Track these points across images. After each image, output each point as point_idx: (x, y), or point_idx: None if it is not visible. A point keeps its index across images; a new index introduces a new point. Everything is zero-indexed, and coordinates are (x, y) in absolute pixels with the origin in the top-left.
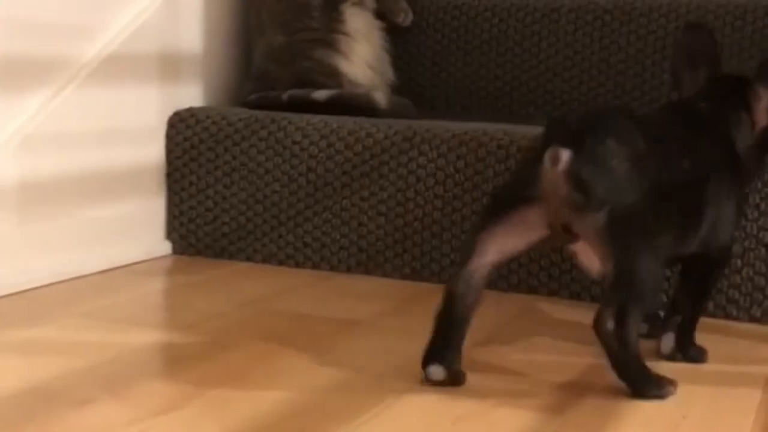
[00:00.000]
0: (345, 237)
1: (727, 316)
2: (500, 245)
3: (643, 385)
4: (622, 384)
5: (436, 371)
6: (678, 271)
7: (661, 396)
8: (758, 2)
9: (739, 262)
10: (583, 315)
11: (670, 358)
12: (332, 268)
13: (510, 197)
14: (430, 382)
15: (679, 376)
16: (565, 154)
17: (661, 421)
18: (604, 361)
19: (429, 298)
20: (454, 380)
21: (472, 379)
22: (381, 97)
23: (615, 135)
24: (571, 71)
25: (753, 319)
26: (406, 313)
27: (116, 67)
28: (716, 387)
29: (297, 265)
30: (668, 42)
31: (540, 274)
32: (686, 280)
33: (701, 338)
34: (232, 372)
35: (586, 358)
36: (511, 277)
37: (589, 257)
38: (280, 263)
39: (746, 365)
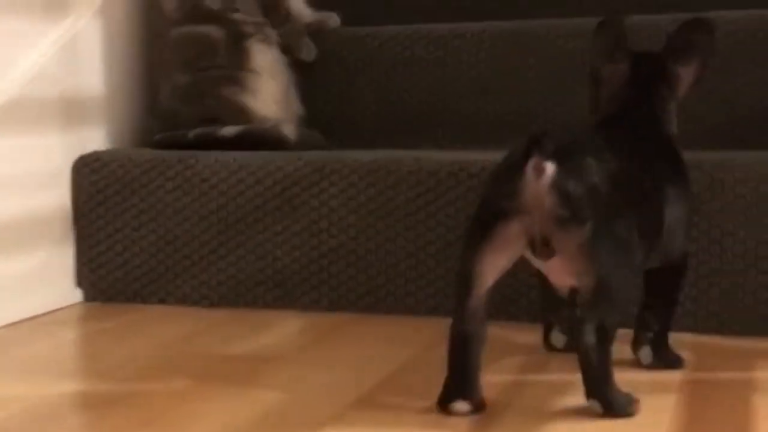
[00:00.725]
0: (260, 272)
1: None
2: (494, 267)
3: (617, 401)
4: (592, 404)
5: (462, 406)
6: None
7: (630, 413)
8: (652, 20)
9: None
10: (505, 334)
11: (653, 368)
12: (249, 305)
13: (491, 214)
14: (455, 415)
15: None
16: (550, 167)
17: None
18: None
19: (348, 328)
20: (478, 409)
21: (392, 406)
22: (290, 130)
23: (593, 154)
24: (478, 95)
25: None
26: (326, 344)
27: (16, 113)
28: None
29: (212, 304)
30: (570, 62)
31: None
32: (651, 294)
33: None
34: (150, 417)
35: (505, 376)
36: (429, 301)
37: (562, 274)
38: (195, 304)
39: (659, 371)
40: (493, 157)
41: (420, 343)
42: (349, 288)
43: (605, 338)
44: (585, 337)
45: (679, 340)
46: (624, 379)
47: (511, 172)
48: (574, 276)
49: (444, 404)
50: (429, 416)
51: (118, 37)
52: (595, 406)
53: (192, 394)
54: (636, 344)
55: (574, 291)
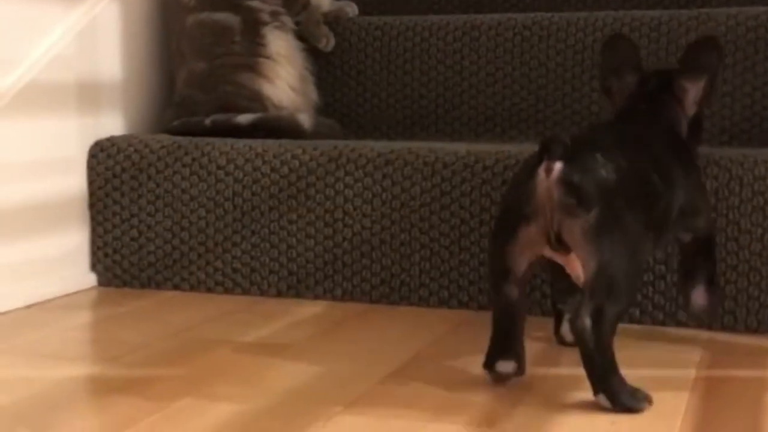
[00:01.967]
0: (274, 261)
1: (654, 322)
2: (521, 265)
3: (617, 389)
4: (600, 399)
5: (506, 365)
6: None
7: (635, 408)
8: (672, 14)
9: (663, 267)
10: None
11: (707, 308)
12: (262, 293)
13: (513, 218)
14: (498, 377)
15: None
16: (558, 165)
17: (590, 429)
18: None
19: (361, 318)
20: (521, 370)
21: (403, 396)
22: (305, 119)
23: (600, 150)
24: (494, 87)
25: (679, 324)
26: (339, 334)
27: (34, 98)
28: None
29: (226, 291)
30: (587, 55)
31: (470, 288)
32: (691, 258)
33: (628, 345)
34: (160, 403)
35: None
36: (442, 292)
37: (579, 267)
38: (209, 290)
39: (673, 369)
40: (509, 149)
41: (433, 334)
42: (363, 278)
43: (601, 321)
44: (580, 320)
45: (693, 337)
46: (636, 375)
47: (526, 178)
48: (582, 263)
49: (489, 365)
50: (442, 406)
51: (135, 23)
52: (603, 400)
53: (203, 381)
54: (684, 291)
55: None
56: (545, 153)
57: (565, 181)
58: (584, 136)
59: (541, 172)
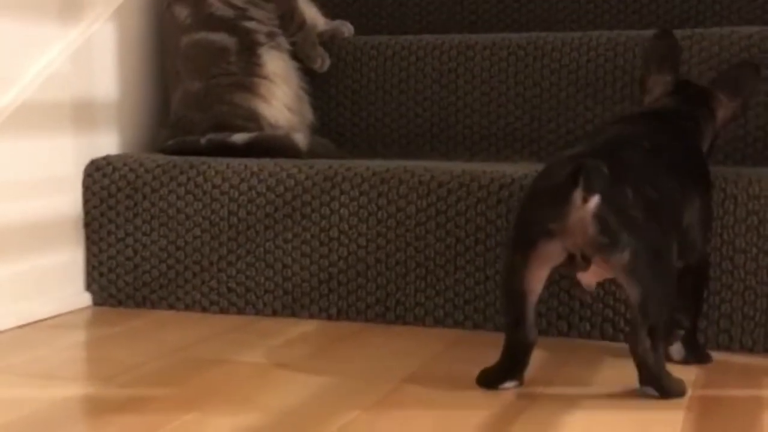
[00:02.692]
0: (269, 280)
1: None
2: (540, 279)
3: (673, 389)
4: (645, 389)
5: (510, 384)
6: None
7: (683, 393)
8: None
9: None
10: None
11: (684, 362)
12: (258, 313)
13: (536, 233)
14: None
15: (602, 404)
16: (594, 200)
17: None
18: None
19: (356, 337)
20: (521, 384)
21: (399, 415)
22: (301, 138)
23: (634, 183)
24: (489, 106)
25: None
26: (334, 353)
27: (29, 116)
28: (641, 411)
29: (221, 311)
30: (581, 75)
31: (466, 307)
32: (678, 295)
33: (625, 363)
34: (155, 423)
35: (513, 391)
36: (437, 311)
37: (592, 279)
38: (204, 310)
39: None
40: (504, 168)
41: (428, 353)
42: (358, 297)
43: (658, 339)
44: (641, 343)
45: None
46: (632, 394)
47: (557, 198)
48: (626, 288)
49: (492, 385)
50: (438, 426)
51: (131, 42)
52: (650, 391)
53: (198, 400)
54: (667, 343)
55: (598, 285)
56: (584, 180)
57: (600, 221)
58: (617, 163)
59: (578, 199)
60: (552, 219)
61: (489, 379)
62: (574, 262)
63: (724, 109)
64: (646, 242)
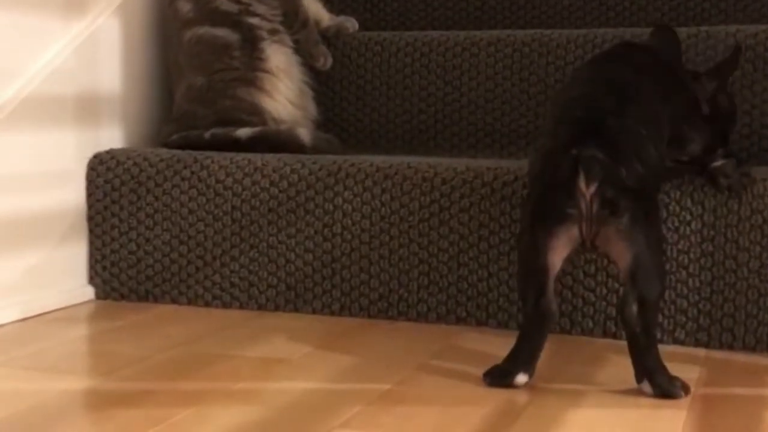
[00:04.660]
0: (272, 275)
1: None
2: (558, 260)
3: (659, 374)
4: (643, 387)
5: (523, 378)
6: None
7: (672, 393)
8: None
9: None
10: (510, 344)
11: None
12: (260, 307)
13: (556, 214)
14: (513, 387)
15: (605, 403)
16: (594, 186)
17: None
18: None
19: (359, 334)
20: (531, 378)
21: (401, 411)
22: (305, 134)
23: (624, 161)
24: (493, 103)
25: (676, 342)
26: (336, 349)
27: (33, 110)
28: (643, 408)
29: (224, 305)
30: None
31: (468, 304)
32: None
33: (626, 362)
34: (158, 417)
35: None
36: (440, 307)
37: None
38: (207, 304)
39: None
40: (507, 165)
41: (431, 349)
42: (361, 293)
43: (647, 307)
44: (627, 308)
45: (692, 356)
46: (634, 392)
47: (568, 189)
48: (616, 259)
49: (508, 379)
50: (441, 422)
51: (135, 37)
52: (646, 388)
53: (201, 395)
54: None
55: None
56: (584, 172)
57: (600, 197)
58: (609, 143)
59: (582, 187)
60: (570, 206)
61: (501, 374)
62: (585, 243)
63: (707, 91)
64: (641, 205)
